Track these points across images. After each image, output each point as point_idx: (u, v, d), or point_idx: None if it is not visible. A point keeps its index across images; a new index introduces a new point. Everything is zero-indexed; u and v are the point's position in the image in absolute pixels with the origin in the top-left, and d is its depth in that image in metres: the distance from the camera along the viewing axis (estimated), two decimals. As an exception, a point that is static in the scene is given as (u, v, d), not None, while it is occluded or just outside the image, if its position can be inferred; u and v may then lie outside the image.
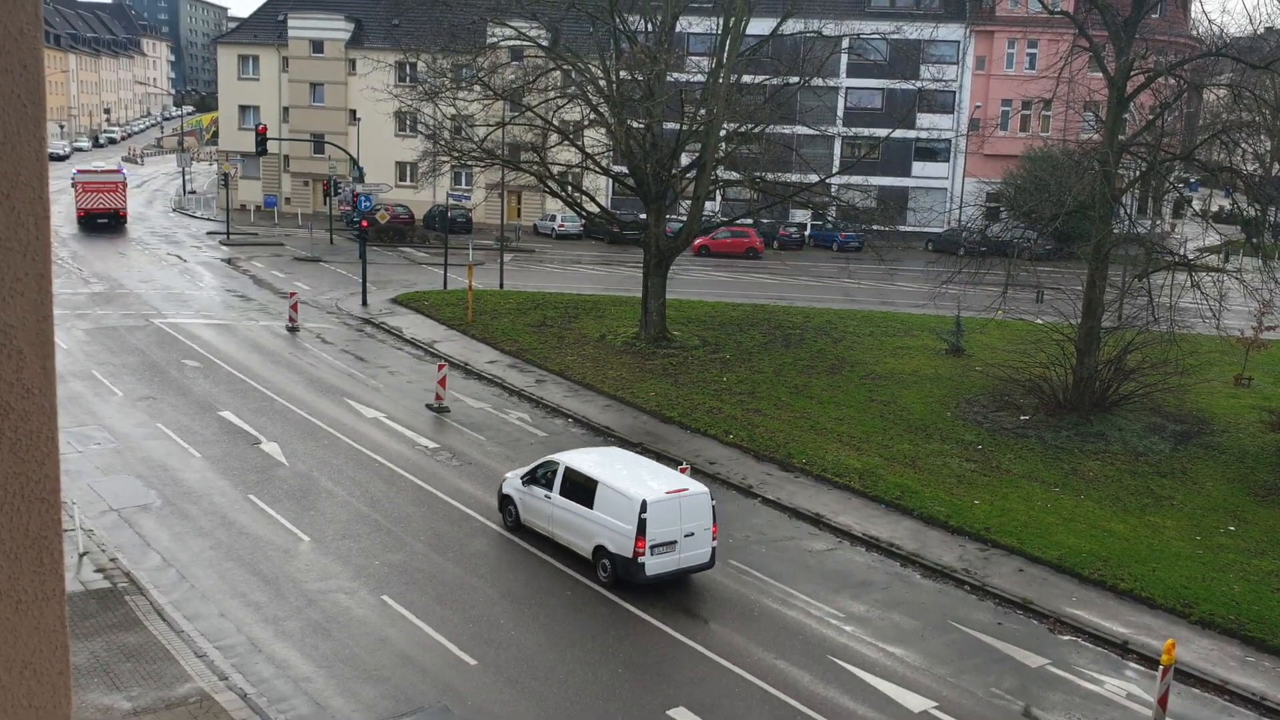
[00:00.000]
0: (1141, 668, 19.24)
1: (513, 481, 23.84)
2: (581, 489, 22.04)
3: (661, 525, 20.83)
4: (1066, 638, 20.33)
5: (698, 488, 21.86)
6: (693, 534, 21.18)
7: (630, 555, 20.86)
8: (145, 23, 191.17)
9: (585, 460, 22.94)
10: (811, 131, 47.58)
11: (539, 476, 23.10)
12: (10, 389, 1.64)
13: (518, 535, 23.40)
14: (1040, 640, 20.20)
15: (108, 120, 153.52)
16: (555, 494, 22.49)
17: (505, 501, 23.94)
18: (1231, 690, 18.64)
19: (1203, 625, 20.71)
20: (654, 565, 20.88)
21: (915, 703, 17.80)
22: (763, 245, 66.57)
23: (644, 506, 20.71)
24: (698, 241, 59.80)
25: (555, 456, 23.36)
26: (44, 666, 1.72)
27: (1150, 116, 33.80)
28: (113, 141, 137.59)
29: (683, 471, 23.46)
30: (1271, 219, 34.81)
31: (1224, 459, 30.25)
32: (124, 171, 69.31)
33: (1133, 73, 33.20)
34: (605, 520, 21.33)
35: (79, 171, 65.14)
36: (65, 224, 62.94)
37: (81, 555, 20.97)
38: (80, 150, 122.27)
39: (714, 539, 21.59)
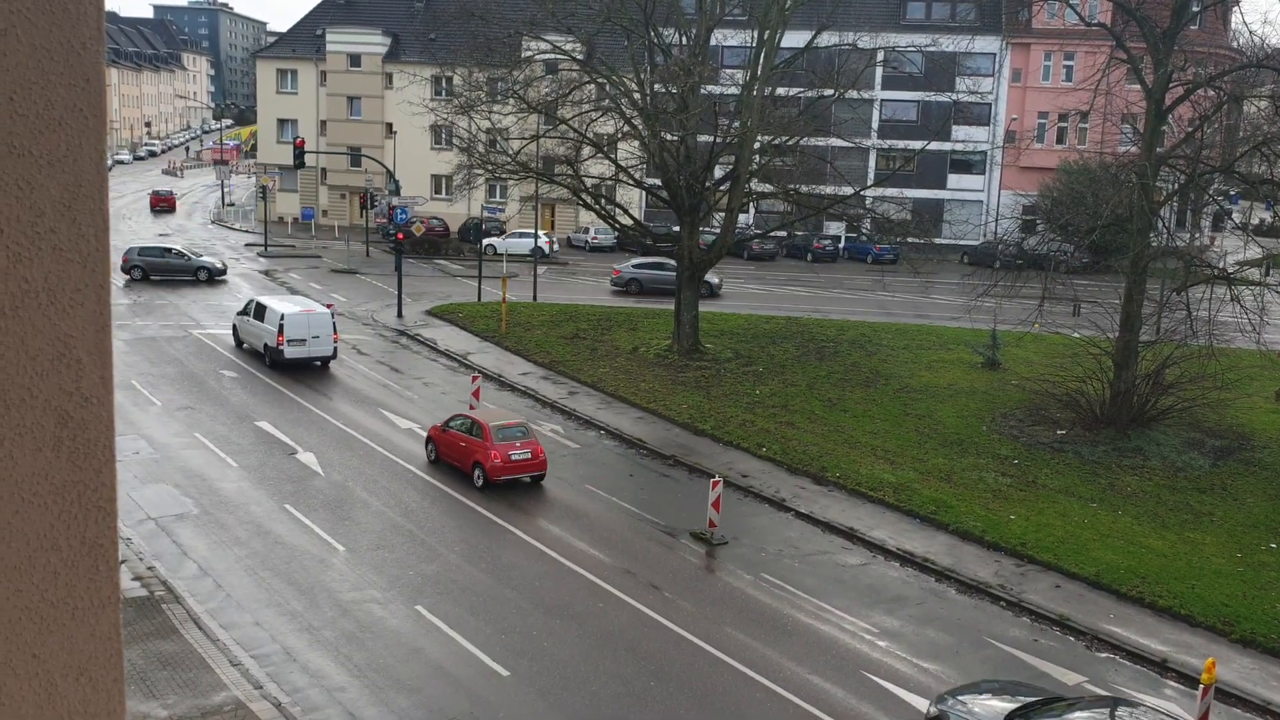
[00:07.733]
0: (1181, 686, 18.96)
1: (234, 318, 39.50)
2: (260, 312, 37.12)
3: (295, 331, 35.50)
4: (1104, 655, 20.07)
5: (321, 310, 36.78)
6: (318, 337, 35.82)
7: (276, 345, 35.53)
8: (186, 38, 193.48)
9: (265, 297, 39.57)
10: (846, 144, 47.31)
11: (245, 310, 38.57)
12: (69, 398, 1.65)
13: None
14: (1077, 657, 19.95)
15: (148, 133, 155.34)
16: (250, 317, 37.67)
17: (235, 330, 39.03)
18: (1274, 711, 18.33)
19: (1244, 644, 20.38)
20: (290, 352, 35.48)
21: (950, 719, 17.61)
22: None
23: (283, 317, 35.61)
24: None
25: (253, 297, 39.98)
26: (99, 673, 1.73)
27: (1189, 129, 33.41)
28: (152, 154, 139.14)
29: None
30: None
31: (1265, 475, 29.79)
32: (238, 145, 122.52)
33: (1171, 84, 32.83)
34: (268, 328, 36.17)
35: (223, 142, 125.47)
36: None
37: (119, 563, 21.14)
38: (121, 163, 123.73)
39: (335, 341, 36.50)
